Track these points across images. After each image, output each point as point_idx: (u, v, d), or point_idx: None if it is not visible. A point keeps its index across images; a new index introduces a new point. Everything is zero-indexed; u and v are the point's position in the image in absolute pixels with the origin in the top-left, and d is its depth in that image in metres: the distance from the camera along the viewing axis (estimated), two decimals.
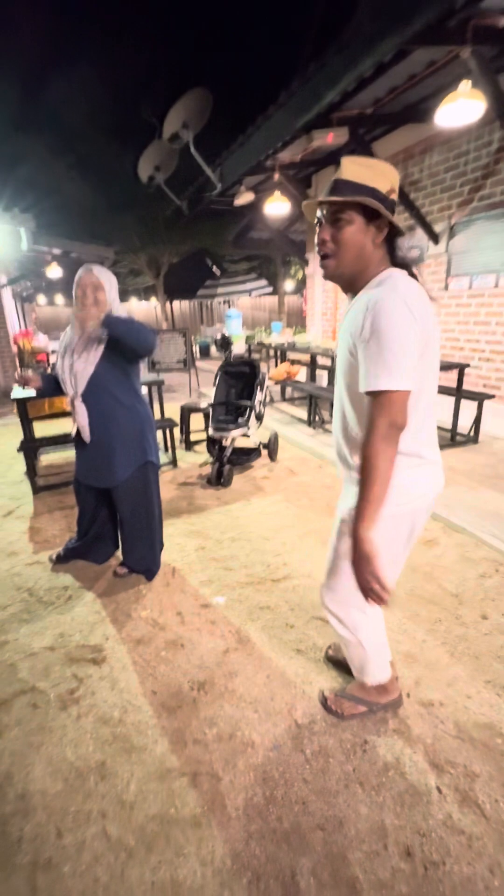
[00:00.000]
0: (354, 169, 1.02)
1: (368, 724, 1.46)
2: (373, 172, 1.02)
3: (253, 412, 3.75)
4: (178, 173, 5.38)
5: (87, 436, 2.09)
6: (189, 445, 4.49)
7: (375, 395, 0.97)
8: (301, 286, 15.45)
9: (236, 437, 3.62)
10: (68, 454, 4.20)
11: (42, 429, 3.70)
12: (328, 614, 1.37)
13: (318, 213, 1.08)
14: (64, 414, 4.73)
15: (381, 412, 0.96)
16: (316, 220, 1.10)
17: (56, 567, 2.48)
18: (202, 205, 5.61)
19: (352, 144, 4.18)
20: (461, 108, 2.93)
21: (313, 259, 6.79)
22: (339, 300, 6.47)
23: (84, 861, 1.14)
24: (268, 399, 4.08)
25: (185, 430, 4.50)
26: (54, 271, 9.68)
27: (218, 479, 3.53)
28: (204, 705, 1.57)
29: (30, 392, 3.58)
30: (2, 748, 1.45)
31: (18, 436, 4.29)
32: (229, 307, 10.17)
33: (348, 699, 1.48)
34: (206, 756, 1.39)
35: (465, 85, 2.86)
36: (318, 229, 1.08)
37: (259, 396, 3.85)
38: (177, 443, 4.35)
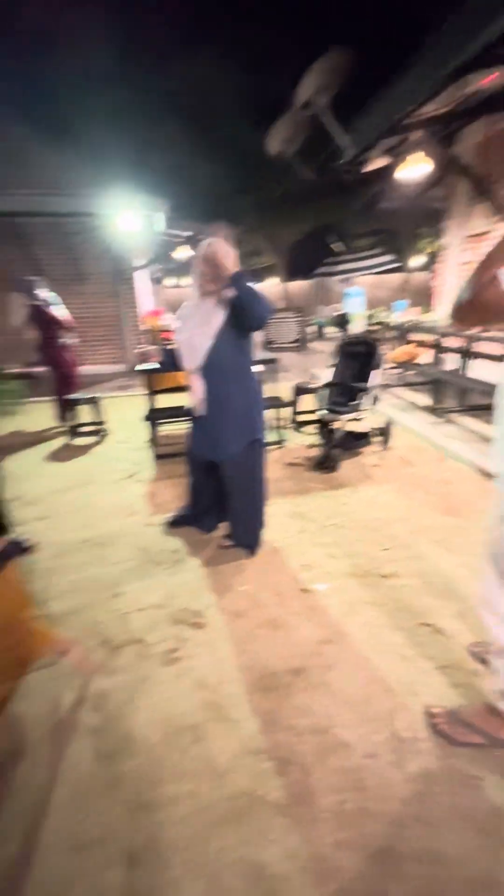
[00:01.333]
0: None
1: (484, 759, 1.28)
2: None
3: (367, 395, 3.53)
4: (308, 146, 5.17)
5: (201, 409, 2.15)
6: (298, 426, 4.42)
7: None
8: (431, 261, 14.08)
9: (347, 421, 3.45)
10: (183, 426, 4.44)
11: (164, 401, 3.97)
12: (485, 615, 1.22)
13: None
14: (182, 388, 5.00)
15: None
16: None
17: (168, 531, 2.64)
18: (331, 175, 5.34)
19: None
20: None
21: (453, 227, 6.07)
22: None
23: (177, 814, 1.19)
24: (385, 382, 3.80)
25: (296, 411, 4.43)
26: (182, 253, 10.21)
27: (325, 463, 3.42)
28: (297, 692, 1.53)
29: (153, 365, 3.84)
30: (113, 687, 1.59)
31: (144, 407, 4.66)
32: (349, 285, 9.69)
33: (464, 725, 1.31)
34: (297, 745, 1.35)
35: None
36: None
37: (375, 378, 3.60)
38: (286, 422, 4.31)
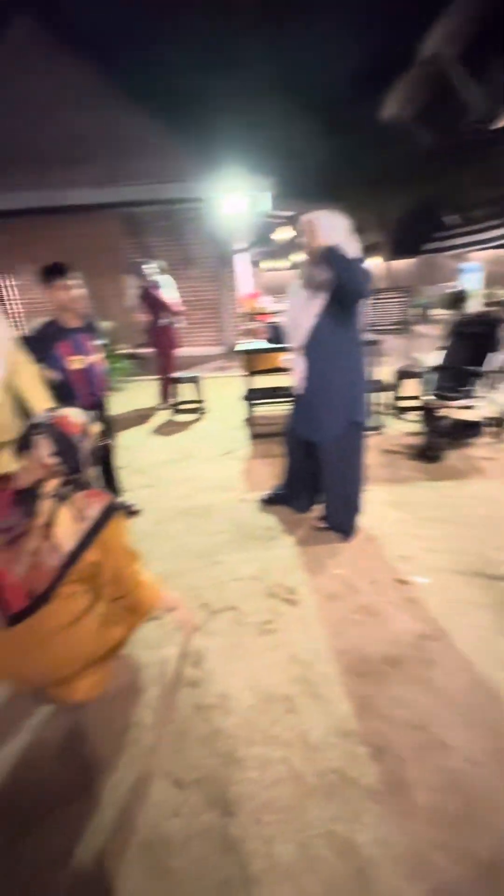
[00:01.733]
0: None
1: None
2: None
3: (482, 380, 3.20)
4: (429, 106, 4.72)
5: (301, 388, 2.14)
6: (400, 412, 4.19)
7: None
8: None
9: (457, 408, 3.18)
10: (278, 408, 4.46)
11: (262, 382, 4.03)
12: None
13: None
14: (279, 370, 5.01)
15: None
16: None
17: (263, 508, 2.69)
18: (454, 136, 4.84)
19: None
20: None
21: None
22: None
23: (269, 776, 1.23)
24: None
25: (397, 396, 4.20)
26: (282, 235, 10.11)
27: (428, 453, 3.20)
28: (394, 683, 1.48)
29: (254, 344, 3.89)
30: (211, 647, 1.68)
31: (242, 387, 4.76)
32: (464, 261, 8.85)
33: None
34: (392, 736, 1.31)
35: None
36: None
37: (493, 362, 3.24)
38: (387, 408, 4.11)
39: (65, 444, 1.35)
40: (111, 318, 6.97)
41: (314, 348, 2.05)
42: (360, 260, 1.91)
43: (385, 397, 4.14)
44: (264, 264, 16.21)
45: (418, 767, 1.22)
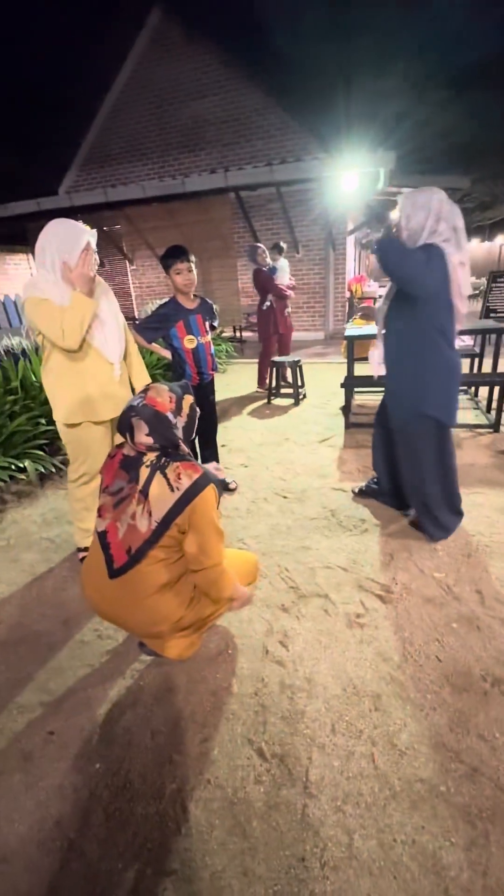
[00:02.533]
0: None
1: None
2: None
3: None
4: None
5: (377, 371, 2.16)
6: None
7: None
8: None
9: None
10: (376, 396, 4.27)
11: (361, 369, 3.87)
12: None
13: None
14: None
15: None
16: None
17: (356, 499, 2.61)
18: None
19: None
20: None
21: None
22: None
23: (352, 769, 1.21)
24: None
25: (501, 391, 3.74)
26: (396, 213, 9.45)
27: None
28: (497, 704, 1.35)
29: (359, 330, 3.74)
30: (299, 630, 1.69)
31: (341, 374, 4.62)
32: None
33: None
34: (491, 760, 1.20)
35: None
36: None
37: None
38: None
39: (158, 422, 1.39)
40: (219, 300, 7.21)
41: (388, 334, 2.06)
42: (429, 249, 1.76)
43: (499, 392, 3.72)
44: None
45: None
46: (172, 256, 2.29)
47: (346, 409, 3.87)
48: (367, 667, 1.52)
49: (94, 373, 1.86)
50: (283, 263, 4.90)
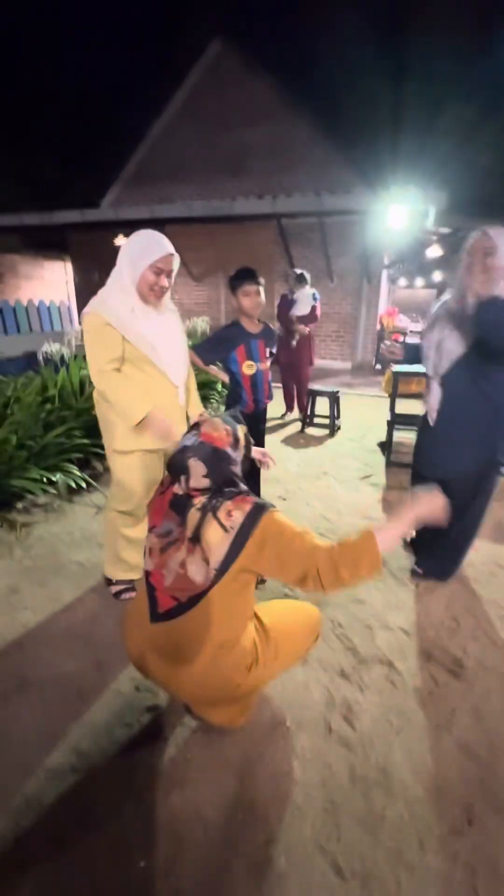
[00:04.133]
0: None
1: None
2: None
3: None
4: None
5: (433, 419, 1.93)
6: None
7: None
8: None
9: None
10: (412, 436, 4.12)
11: (403, 406, 3.74)
12: None
13: None
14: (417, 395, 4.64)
15: None
16: None
17: (407, 549, 2.42)
18: None
19: None
20: None
21: None
22: None
23: (431, 879, 1.00)
24: None
25: None
26: (433, 252, 9.50)
27: None
28: None
29: (411, 367, 3.61)
30: (364, 704, 1.49)
31: (373, 407, 4.47)
32: None
33: None
34: None
35: None
36: None
37: None
38: None
39: (218, 460, 1.23)
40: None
41: (457, 378, 1.83)
42: None
43: None
44: (402, 281, 15.53)
45: None
46: (243, 278, 2.19)
47: (388, 447, 3.71)
48: (450, 763, 1.31)
49: (158, 395, 1.73)
50: (303, 294, 4.74)
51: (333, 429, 4.43)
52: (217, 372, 2.40)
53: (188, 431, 1.27)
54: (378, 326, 8.87)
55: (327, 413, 4.51)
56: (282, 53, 7.90)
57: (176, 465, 1.21)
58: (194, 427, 1.26)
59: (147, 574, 1.25)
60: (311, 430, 4.59)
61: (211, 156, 8.79)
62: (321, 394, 4.55)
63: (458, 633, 1.82)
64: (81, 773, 1.27)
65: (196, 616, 1.16)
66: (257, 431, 2.50)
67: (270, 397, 2.45)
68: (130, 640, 1.30)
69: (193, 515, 1.18)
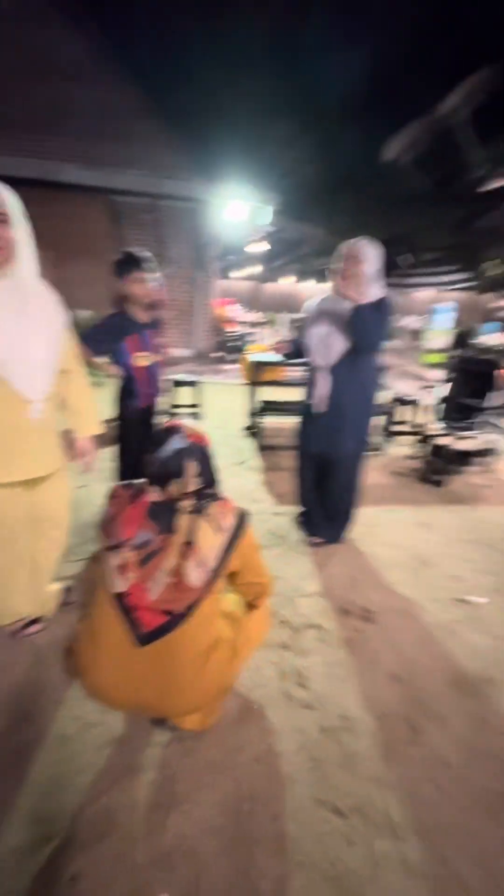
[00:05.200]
0: None
1: None
2: None
3: (483, 415, 3.53)
4: (429, 156, 5.15)
5: (323, 406, 2.16)
6: (392, 436, 4.44)
7: None
8: (497, 283, 13.81)
9: (458, 438, 3.46)
10: (280, 420, 4.53)
11: (263, 393, 4.07)
12: None
13: None
14: (277, 383, 5.08)
15: None
16: None
17: (300, 527, 2.69)
18: (450, 188, 5.32)
19: None
20: None
21: None
22: None
23: (423, 797, 1.25)
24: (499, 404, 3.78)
25: (392, 421, 4.45)
26: (256, 248, 10.26)
27: (434, 478, 3.43)
28: (495, 699, 1.57)
29: (265, 357, 3.92)
30: (310, 666, 1.65)
31: (226, 395, 4.71)
32: (438, 301, 9.82)
33: None
34: None
35: None
36: None
37: (493, 400, 3.60)
38: (383, 431, 4.33)
39: (207, 459, 1.28)
40: (87, 306, 6.55)
41: (342, 368, 2.11)
42: (383, 306, 2.01)
43: (380, 421, 4.37)
44: (233, 273, 16.31)
45: None
46: (133, 264, 2.04)
47: (257, 432, 3.98)
48: (385, 691, 1.58)
49: None
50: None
51: (197, 417, 4.49)
52: (106, 366, 2.19)
53: (168, 436, 1.20)
54: (211, 315, 9.18)
55: (189, 402, 4.53)
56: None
57: (170, 469, 1.14)
58: (171, 431, 1.20)
59: (120, 595, 1.13)
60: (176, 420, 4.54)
61: (26, 111, 7.49)
62: (183, 383, 4.54)
63: (360, 587, 2.16)
64: (55, 839, 1.10)
65: (190, 625, 1.12)
66: (150, 427, 2.40)
67: (162, 389, 2.37)
68: (97, 676, 1.16)
69: (184, 520, 1.13)
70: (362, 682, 1.62)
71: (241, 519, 1.27)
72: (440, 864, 1.10)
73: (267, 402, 3.96)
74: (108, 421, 2.31)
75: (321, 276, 14.12)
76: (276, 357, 3.90)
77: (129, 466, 2.27)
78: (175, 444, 1.21)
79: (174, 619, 1.14)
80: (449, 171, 5.18)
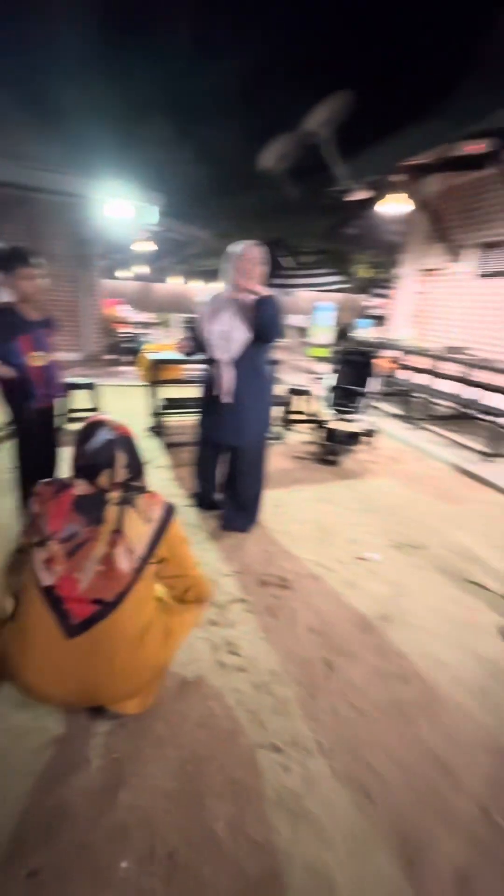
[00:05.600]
0: None
1: None
2: None
3: (364, 399, 4.01)
4: (300, 166, 5.59)
5: (230, 397, 2.27)
6: (289, 424, 4.79)
7: None
8: (366, 284, 15.42)
9: (347, 422, 3.90)
10: (184, 417, 4.59)
11: (165, 392, 4.10)
12: None
13: None
14: (177, 381, 5.11)
15: None
16: None
17: (204, 512, 2.79)
18: (317, 196, 5.85)
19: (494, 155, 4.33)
20: None
21: (409, 261, 6.93)
22: (428, 304, 6.61)
23: (344, 718, 1.46)
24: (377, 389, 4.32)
25: (289, 410, 4.79)
26: (141, 247, 10.06)
27: (330, 458, 3.81)
28: (391, 631, 1.88)
29: (164, 355, 3.96)
30: (238, 636, 1.79)
31: (123, 396, 4.66)
32: (319, 300, 10.61)
33: None
34: (409, 667, 1.70)
35: None
36: None
37: (372, 385, 4.11)
38: (281, 421, 4.64)
39: (134, 449, 1.35)
40: None
41: (243, 361, 2.24)
42: (277, 301, 2.18)
43: (278, 411, 4.69)
44: (119, 273, 15.66)
45: (444, 683, 1.63)
46: (20, 258, 1.95)
47: (161, 431, 3.99)
48: (305, 642, 1.79)
49: None
50: None
51: None
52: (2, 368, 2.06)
53: (94, 430, 1.24)
54: (100, 315, 8.82)
55: (86, 406, 4.36)
56: None
57: (100, 460, 1.17)
58: (97, 424, 1.25)
59: (48, 589, 1.14)
60: (75, 426, 4.33)
61: None
62: (78, 386, 4.35)
63: (275, 560, 2.35)
64: (3, 845, 1.07)
65: (122, 612, 1.17)
66: (52, 428, 2.32)
67: (61, 389, 2.30)
68: (31, 674, 1.16)
69: (112, 510, 1.18)
70: (285, 639, 1.80)
71: (169, 511, 1.35)
72: (364, 769, 1.32)
73: (170, 401, 3.99)
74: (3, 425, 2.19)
75: (209, 276, 14.42)
76: (177, 355, 3.98)
77: (32, 472, 2.17)
78: (104, 435, 1.25)
79: (105, 608, 1.18)
80: (318, 183, 5.69)
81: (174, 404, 4.01)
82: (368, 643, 1.81)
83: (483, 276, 5.76)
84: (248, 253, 2.16)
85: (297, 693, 1.55)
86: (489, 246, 5.64)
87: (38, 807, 1.16)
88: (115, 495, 1.27)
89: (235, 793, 1.23)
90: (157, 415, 4.09)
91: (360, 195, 5.52)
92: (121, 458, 1.25)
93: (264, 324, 2.18)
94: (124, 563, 1.21)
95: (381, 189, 5.59)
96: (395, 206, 5.38)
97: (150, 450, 3.86)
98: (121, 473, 1.25)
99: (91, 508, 1.26)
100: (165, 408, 3.96)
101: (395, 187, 5.29)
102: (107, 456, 1.23)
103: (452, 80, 3.25)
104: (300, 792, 1.24)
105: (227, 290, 2.27)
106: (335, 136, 4.70)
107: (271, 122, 5.48)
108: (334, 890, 1.04)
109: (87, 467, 1.23)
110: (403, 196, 5.14)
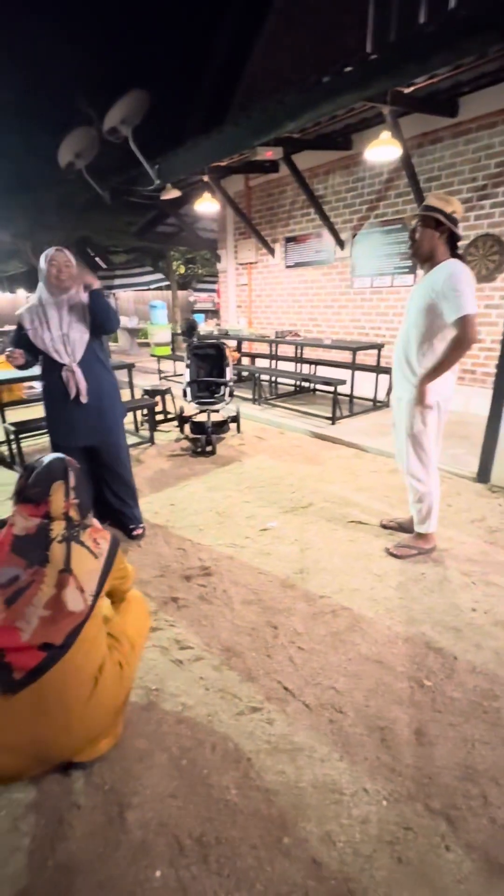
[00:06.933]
0: (433, 199, 1.79)
1: (423, 560, 2.24)
2: (443, 202, 1.79)
3: (225, 388, 4.27)
4: (102, 163, 5.45)
5: (85, 397, 2.23)
6: (156, 424, 4.75)
7: (461, 320, 1.73)
8: (188, 280, 15.81)
9: (213, 412, 4.10)
10: (39, 439, 4.15)
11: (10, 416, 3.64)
12: (409, 479, 2.14)
13: (413, 222, 1.85)
14: (20, 402, 4.53)
15: (464, 330, 1.73)
16: (411, 226, 1.85)
17: (112, 526, 2.70)
18: (129, 195, 5.79)
19: (280, 160, 4.92)
20: (383, 150, 3.93)
21: (226, 255, 7.41)
22: (253, 295, 7.23)
23: (279, 660, 1.66)
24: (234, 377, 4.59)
25: (153, 411, 4.75)
26: None
27: (205, 448, 3.96)
28: (309, 581, 2.16)
29: (12, 374, 3.52)
30: (182, 632, 1.83)
31: None
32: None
33: (405, 548, 2.27)
34: (333, 603, 2.00)
35: (385, 134, 3.84)
36: (413, 231, 1.85)
37: (229, 374, 4.38)
38: (143, 423, 4.58)
39: (78, 479, 1.30)
40: None
41: (88, 361, 2.24)
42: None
43: (139, 415, 4.62)
44: None
45: (369, 615, 1.96)
46: None
47: (12, 461, 3.56)
48: (245, 615, 1.93)
49: None
50: None
51: None
52: None
53: (38, 460, 1.14)
54: None
55: None
56: None
57: (52, 477, 1.09)
58: (39, 459, 1.17)
59: None
60: None
61: None
62: None
63: (189, 553, 2.41)
64: None
65: (72, 655, 1.12)
66: None
67: None
68: None
69: (57, 548, 1.11)
70: (226, 618, 1.91)
71: (115, 544, 1.33)
72: (330, 693, 1.54)
73: (18, 424, 3.57)
74: None
75: (4, 284, 12.86)
76: (12, 372, 3.55)
77: None
78: (48, 460, 1.19)
79: (54, 654, 1.11)
80: (127, 181, 5.63)
81: (25, 427, 3.60)
82: (296, 596, 2.05)
83: (287, 266, 6.54)
84: (60, 258, 2.11)
85: (255, 658, 1.69)
86: (290, 240, 6.44)
87: (40, 876, 1.05)
88: (58, 531, 1.19)
89: (235, 760, 1.31)
90: (7, 442, 3.62)
91: (171, 194, 5.66)
92: (71, 481, 1.19)
93: (101, 314, 2.20)
94: (76, 604, 1.15)
95: (190, 188, 5.84)
96: (207, 204, 5.69)
97: (4, 485, 3.41)
98: (70, 505, 1.18)
99: (32, 549, 1.16)
100: (15, 433, 3.53)
101: (203, 187, 5.58)
102: (56, 475, 1.16)
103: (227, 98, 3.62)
104: (287, 733, 1.40)
105: (48, 297, 2.17)
106: (137, 136, 4.72)
107: (68, 121, 5.18)
108: (343, 790, 1.23)
109: (35, 494, 1.13)
110: (209, 196, 5.48)
